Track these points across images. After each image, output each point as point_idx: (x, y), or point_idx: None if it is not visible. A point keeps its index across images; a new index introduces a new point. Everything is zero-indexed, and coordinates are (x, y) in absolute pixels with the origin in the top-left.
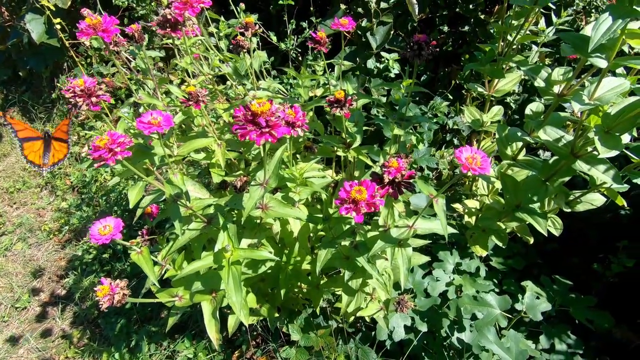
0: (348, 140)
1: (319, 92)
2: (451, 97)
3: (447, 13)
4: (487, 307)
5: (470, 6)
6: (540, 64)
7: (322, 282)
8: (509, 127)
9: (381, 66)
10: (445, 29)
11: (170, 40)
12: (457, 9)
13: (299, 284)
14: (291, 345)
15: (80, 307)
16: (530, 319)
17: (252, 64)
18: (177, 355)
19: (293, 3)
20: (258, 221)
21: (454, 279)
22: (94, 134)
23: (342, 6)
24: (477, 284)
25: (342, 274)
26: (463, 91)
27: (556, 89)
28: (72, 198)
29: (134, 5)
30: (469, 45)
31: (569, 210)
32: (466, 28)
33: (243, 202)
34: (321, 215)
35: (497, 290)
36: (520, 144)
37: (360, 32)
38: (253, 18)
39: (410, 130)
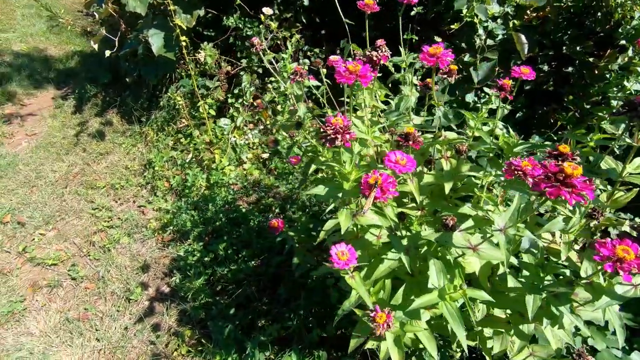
0: None
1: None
2: (554, 137)
3: (553, 53)
4: None
5: (578, 48)
6: None
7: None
8: None
9: (481, 101)
10: (546, 68)
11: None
12: (565, 50)
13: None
14: None
15: (187, 307)
16: None
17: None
18: None
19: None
20: (451, 258)
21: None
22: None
23: (439, 39)
24: (607, 339)
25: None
26: (561, 132)
27: None
28: (172, 199)
29: (241, 26)
30: (573, 86)
31: None
32: (570, 69)
33: (454, 241)
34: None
35: (627, 348)
36: None
37: (461, 66)
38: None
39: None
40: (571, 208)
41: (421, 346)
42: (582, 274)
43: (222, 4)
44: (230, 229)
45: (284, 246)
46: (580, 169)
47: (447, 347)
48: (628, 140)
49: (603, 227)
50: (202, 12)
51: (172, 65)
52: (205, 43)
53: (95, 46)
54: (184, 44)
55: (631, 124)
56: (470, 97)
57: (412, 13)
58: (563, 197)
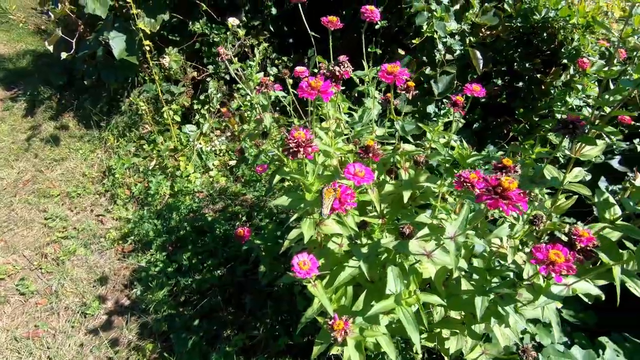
0: None
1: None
2: (506, 147)
3: (505, 69)
4: None
5: (527, 65)
6: None
7: (434, 323)
8: (624, 197)
9: (441, 112)
10: (499, 82)
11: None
12: (515, 66)
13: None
14: None
15: (148, 319)
16: None
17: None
18: None
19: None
20: (408, 264)
21: (527, 328)
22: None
23: (402, 52)
24: (551, 335)
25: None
26: (514, 142)
27: None
28: (134, 208)
29: (207, 32)
30: (523, 100)
31: None
32: (520, 84)
33: (410, 248)
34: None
35: (569, 342)
36: (618, 210)
37: (422, 79)
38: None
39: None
40: (515, 216)
41: (383, 350)
42: (525, 276)
43: (187, 9)
44: (195, 237)
45: (250, 254)
46: (515, 183)
47: (409, 349)
48: (567, 152)
49: (549, 231)
50: (166, 17)
51: (135, 69)
52: (170, 48)
53: (50, 48)
54: (147, 48)
55: (567, 138)
56: (431, 108)
57: (377, 27)
58: (501, 209)
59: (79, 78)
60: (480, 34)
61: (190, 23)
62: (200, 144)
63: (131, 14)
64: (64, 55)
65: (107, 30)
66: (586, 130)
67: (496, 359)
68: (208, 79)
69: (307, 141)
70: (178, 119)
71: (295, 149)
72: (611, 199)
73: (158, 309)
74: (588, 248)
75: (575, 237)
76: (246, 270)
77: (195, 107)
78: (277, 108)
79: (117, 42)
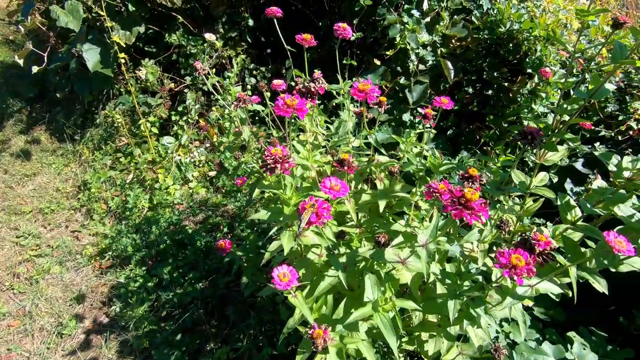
0: None
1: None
2: (479, 153)
3: (475, 78)
4: (543, 355)
5: (495, 74)
6: (611, 151)
7: (412, 327)
8: (582, 199)
9: (416, 120)
10: (470, 90)
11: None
12: (484, 75)
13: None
14: None
15: (128, 336)
16: None
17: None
18: None
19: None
20: (384, 271)
21: (503, 326)
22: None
23: (377, 62)
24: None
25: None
26: (486, 148)
27: (626, 174)
28: (111, 223)
29: (184, 43)
30: (493, 107)
31: (613, 270)
32: (490, 92)
33: (386, 256)
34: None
35: (541, 338)
36: (579, 212)
37: (397, 88)
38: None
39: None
40: (484, 221)
41: (364, 355)
42: (493, 278)
43: (164, 21)
44: (175, 251)
45: (232, 266)
46: (477, 194)
47: (391, 353)
48: (533, 157)
49: (520, 233)
50: (142, 29)
51: (110, 81)
52: (147, 60)
53: (21, 62)
54: (122, 61)
55: (527, 147)
56: (406, 117)
57: (352, 38)
58: (465, 218)
59: (51, 90)
60: (451, 45)
61: (167, 35)
62: (179, 155)
63: (105, 27)
64: (35, 69)
65: (80, 43)
66: (544, 140)
67: (473, 359)
68: (186, 90)
69: (283, 157)
70: (156, 130)
71: (273, 165)
72: (572, 202)
73: (138, 325)
74: (546, 251)
75: (534, 241)
76: (229, 282)
77: (174, 118)
78: (257, 117)
79: (91, 55)
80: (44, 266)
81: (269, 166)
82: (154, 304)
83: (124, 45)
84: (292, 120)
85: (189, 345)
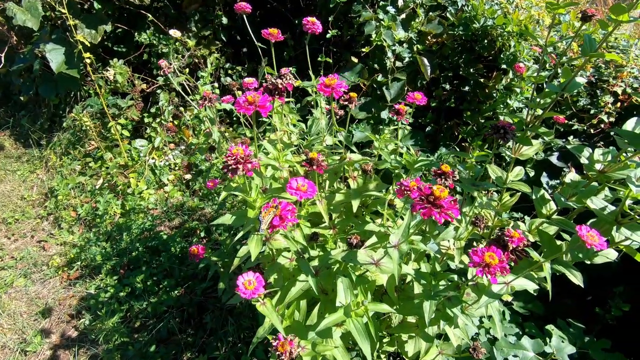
0: None
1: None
2: (458, 149)
3: (452, 74)
4: (522, 350)
5: (471, 70)
6: (584, 144)
7: (391, 328)
8: (556, 192)
9: (394, 117)
10: (448, 87)
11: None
12: (460, 72)
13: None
14: None
15: (99, 350)
16: None
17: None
18: None
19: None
20: (358, 273)
21: (483, 322)
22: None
23: (355, 59)
24: (504, 327)
25: (414, 322)
26: (464, 144)
27: (598, 166)
28: (80, 231)
29: (155, 42)
30: (470, 103)
31: (588, 262)
32: (466, 88)
33: (358, 258)
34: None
35: (520, 333)
36: (554, 205)
37: (375, 86)
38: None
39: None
40: (459, 218)
41: None
42: (469, 277)
43: (133, 19)
44: (149, 258)
45: (209, 272)
46: (446, 192)
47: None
48: (508, 152)
49: (498, 228)
50: (109, 27)
51: (76, 83)
52: (116, 60)
53: None
54: (88, 61)
55: (499, 141)
56: (385, 114)
57: (328, 36)
58: (434, 217)
59: (15, 93)
60: (427, 42)
61: (137, 34)
62: (153, 158)
63: (68, 25)
64: None
65: (43, 43)
66: (518, 134)
67: (454, 358)
68: (158, 91)
69: (246, 157)
70: (127, 133)
71: (235, 166)
72: (546, 195)
73: (109, 338)
74: (519, 248)
75: (507, 238)
76: (205, 289)
77: (146, 120)
78: (234, 117)
79: (55, 55)
80: (7, 279)
81: (230, 167)
82: (126, 315)
83: (89, 45)
84: (262, 119)
85: (164, 356)
